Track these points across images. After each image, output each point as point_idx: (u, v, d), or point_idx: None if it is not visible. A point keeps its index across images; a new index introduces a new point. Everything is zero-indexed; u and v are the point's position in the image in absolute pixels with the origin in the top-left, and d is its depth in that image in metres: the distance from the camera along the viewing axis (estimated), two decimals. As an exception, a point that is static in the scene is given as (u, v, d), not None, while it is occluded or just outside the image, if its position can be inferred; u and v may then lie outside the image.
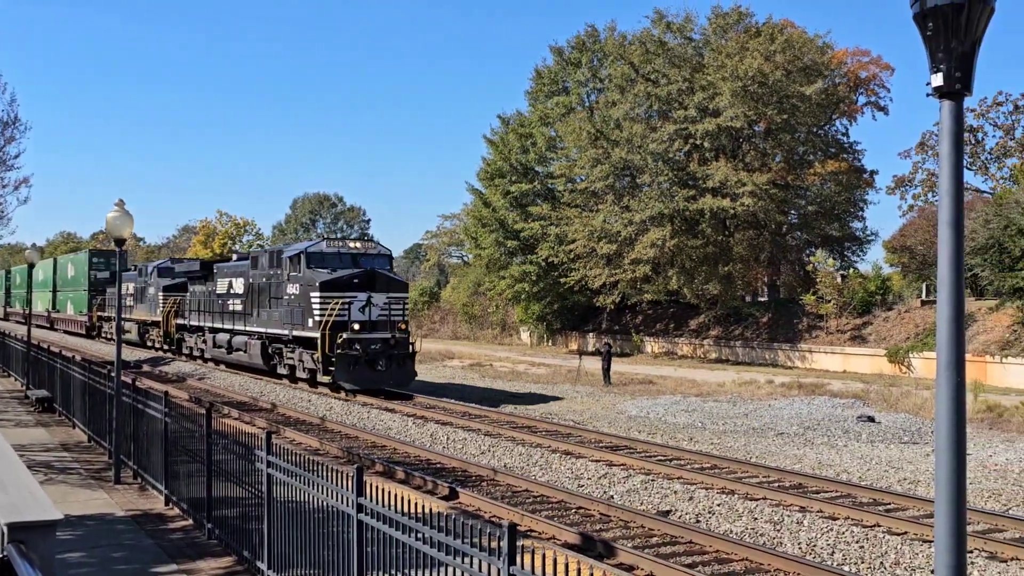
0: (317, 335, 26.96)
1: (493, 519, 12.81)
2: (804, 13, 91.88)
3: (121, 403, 14.46)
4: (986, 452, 19.36)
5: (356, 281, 27.40)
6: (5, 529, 4.40)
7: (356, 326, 26.80)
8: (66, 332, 61.62)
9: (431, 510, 6.13)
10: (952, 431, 3.99)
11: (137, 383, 14.74)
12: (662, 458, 17.25)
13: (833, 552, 11.35)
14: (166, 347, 42.87)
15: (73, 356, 21.37)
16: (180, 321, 40.79)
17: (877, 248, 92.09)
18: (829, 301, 45.30)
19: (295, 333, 28.64)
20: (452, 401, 26.18)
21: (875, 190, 56.85)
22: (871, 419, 23.94)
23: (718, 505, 13.50)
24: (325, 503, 7.48)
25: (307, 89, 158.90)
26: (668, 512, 13.45)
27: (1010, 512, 13.54)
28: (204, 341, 37.43)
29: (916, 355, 39.87)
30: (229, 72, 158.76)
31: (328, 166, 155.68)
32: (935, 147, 55.13)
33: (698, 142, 47.53)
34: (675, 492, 14.31)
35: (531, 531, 12.17)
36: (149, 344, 45.83)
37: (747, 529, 12.42)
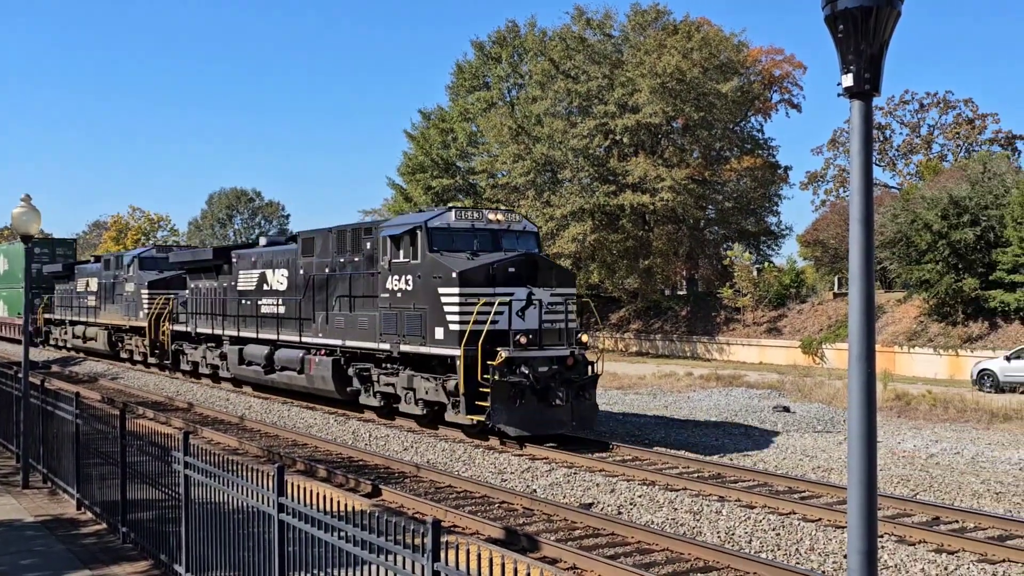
0: (453, 352, 17.74)
1: (417, 515, 12.77)
2: (720, 12, 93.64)
3: (29, 405, 14.01)
4: (895, 439, 20.02)
5: (512, 271, 18.18)
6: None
7: (522, 338, 17.68)
8: (9, 338, 50.80)
9: (354, 508, 6.09)
10: (864, 420, 4.12)
11: (46, 384, 14.29)
12: (584, 451, 17.41)
13: (751, 540, 11.60)
14: (153, 360, 33.28)
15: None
16: (178, 327, 31.03)
17: (791, 242, 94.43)
18: (745, 294, 46.31)
19: (406, 348, 19.19)
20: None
21: (789, 185, 58.43)
22: (786, 409, 24.54)
23: (639, 496, 13.69)
24: (245, 504, 7.37)
25: (222, 83, 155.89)
26: (590, 505, 13.58)
27: (918, 497, 14.03)
28: (222, 355, 28.17)
29: (829, 346, 41.05)
30: (138, 68, 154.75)
31: (246, 161, 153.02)
32: (846, 144, 56.74)
33: (618, 138, 48.08)
34: (597, 485, 14.46)
35: (455, 527, 12.17)
36: (125, 356, 36.43)
37: (668, 519, 12.62)
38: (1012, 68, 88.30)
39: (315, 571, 6.32)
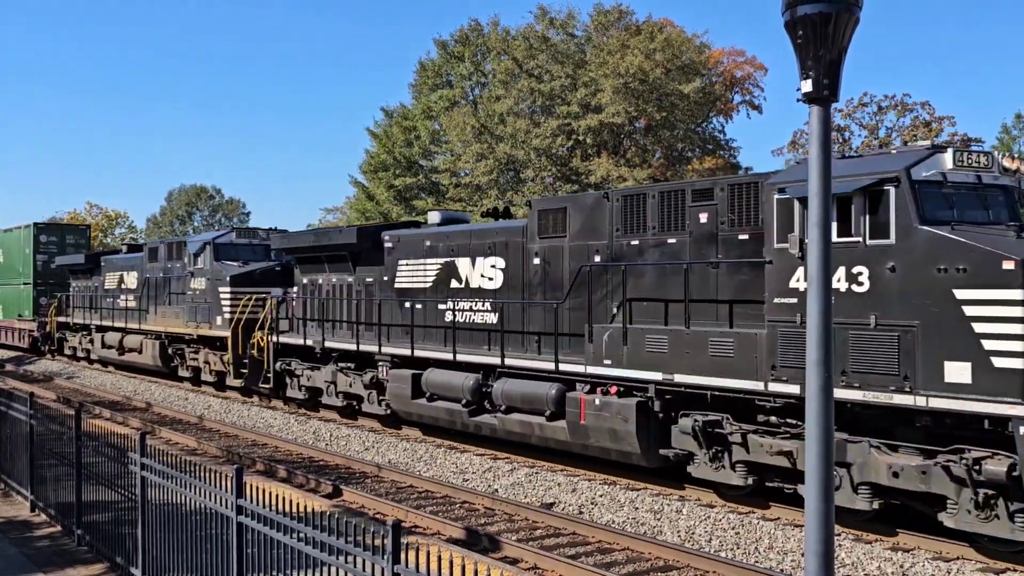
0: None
1: (378, 516, 12.72)
2: (682, 13, 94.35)
3: (-18, 405, 13.73)
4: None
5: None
6: None
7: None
8: (5, 344, 41.68)
9: (314, 509, 6.05)
10: (821, 423, 4.16)
11: (0, 384, 14.03)
12: (546, 451, 17.42)
13: (711, 539, 11.69)
14: (236, 382, 24.55)
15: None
16: (291, 339, 22.49)
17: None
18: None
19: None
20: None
21: (750, 186, 58.80)
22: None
23: (601, 496, 13.74)
24: (203, 505, 7.29)
25: (181, 78, 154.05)
26: (552, 504, 13.61)
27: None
28: (375, 382, 19.77)
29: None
30: (96, 61, 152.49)
31: (205, 158, 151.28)
32: (806, 145, 57.41)
33: (581, 138, 48.22)
34: (559, 484, 14.48)
35: (416, 527, 12.14)
36: (186, 374, 27.69)
37: (629, 519, 12.68)
38: (969, 72, 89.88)
39: (274, 573, 6.28)
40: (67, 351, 36.48)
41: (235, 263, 25.84)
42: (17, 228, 43.58)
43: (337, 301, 21.70)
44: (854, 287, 11.22)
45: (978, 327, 10.09)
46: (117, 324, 31.28)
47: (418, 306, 18.85)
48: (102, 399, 26.35)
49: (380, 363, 19.49)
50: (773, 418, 12.22)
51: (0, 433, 13.52)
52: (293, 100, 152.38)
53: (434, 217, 20.75)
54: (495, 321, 16.92)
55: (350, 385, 20.58)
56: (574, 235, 15.70)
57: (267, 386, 23.32)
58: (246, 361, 23.62)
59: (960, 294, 10.28)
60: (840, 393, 10.88)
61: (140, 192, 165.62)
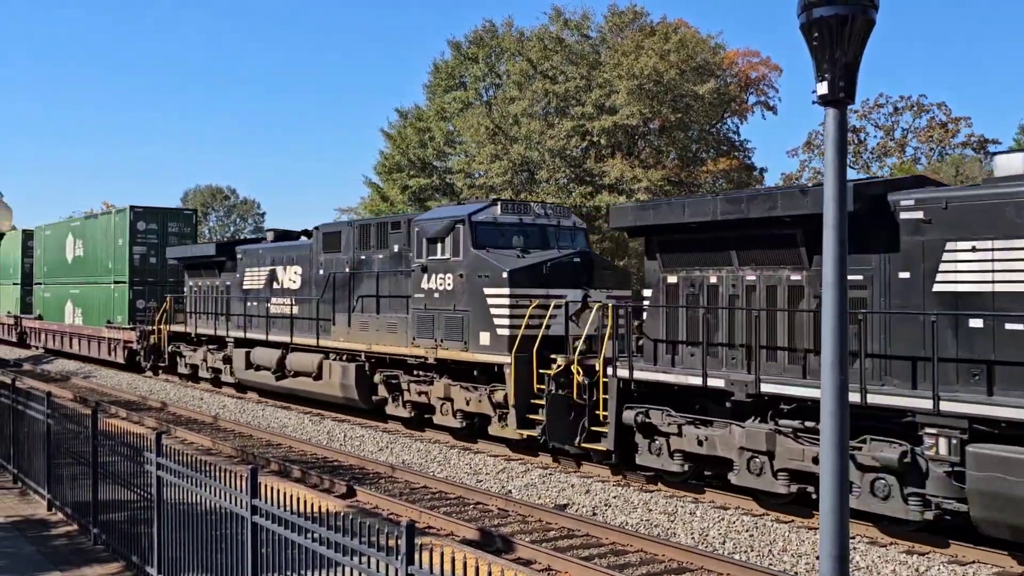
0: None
1: (391, 517, 12.75)
2: (697, 14, 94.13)
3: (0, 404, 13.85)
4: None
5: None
6: None
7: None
8: (86, 357, 34.77)
9: (328, 510, 6.07)
10: (836, 426, 4.15)
11: (17, 383, 14.14)
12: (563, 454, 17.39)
13: (724, 541, 11.66)
14: (529, 433, 15.88)
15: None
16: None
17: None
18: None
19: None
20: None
21: (765, 187, 58.66)
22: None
23: (614, 498, 13.72)
24: (218, 505, 7.32)
25: (197, 79, 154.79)
26: (565, 506, 13.60)
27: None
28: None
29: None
30: (113, 64, 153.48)
31: (221, 158, 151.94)
32: (821, 146, 57.20)
33: (595, 139, 48.17)
34: (572, 486, 14.47)
35: (430, 528, 12.16)
36: (403, 414, 19.55)
37: (642, 521, 12.66)
38: (985, 73, 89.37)
39: (288, 573, 6.29)
40: (183, 369, 28.74)
41: (510, 254, 17.40)
42: (105, 214, 36.35)
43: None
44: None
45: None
46: (276, 338, 23.45)
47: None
48: (118, 399, 26.49)
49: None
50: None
51: (18, 432, 13.61)
52: (308, 102, 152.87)
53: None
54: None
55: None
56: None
57: (614, 452, 15.20)
58: (540, 403, 15.41)
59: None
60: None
61: (156, 192, 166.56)
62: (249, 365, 24.41)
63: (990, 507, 9.79)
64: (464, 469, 16.16)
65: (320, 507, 6.06)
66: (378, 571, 5.30)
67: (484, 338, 16.67)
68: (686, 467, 13.59)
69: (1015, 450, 9.60)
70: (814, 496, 11.71)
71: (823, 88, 4.03)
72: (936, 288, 11.00)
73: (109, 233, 33.87)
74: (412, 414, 19.24)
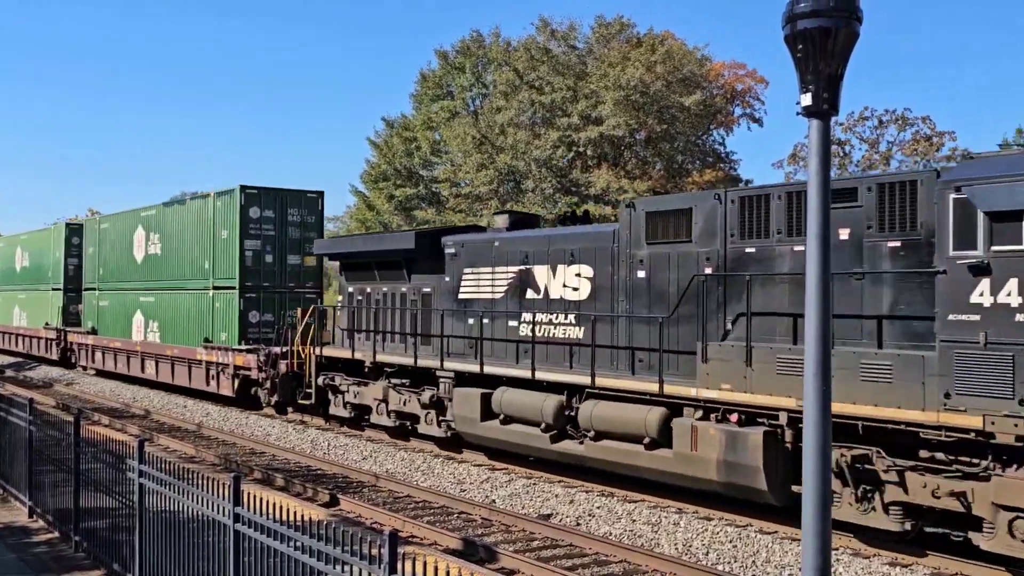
0: None
1: (375, 525, 12.71)
2: (684, 26, 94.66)
3: (-19, 411, 13.73)
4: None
5: None
6: None
7: None
8: (167, 385, 27.62)
9: (311, 518, 6.05)
10: (819, 437, 4.17)
11: (-1, 389, 14.03)
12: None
13: (708, 552, 11.67)
14: None
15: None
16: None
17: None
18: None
19: None
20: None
21: (750, 199, 58.85)
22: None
23: (598, 508, 13.72)
24: (200, 513, 7.29)
25: (180, 86, 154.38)
26: (549, 516, 13.59)
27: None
28: None
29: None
30: (99, 68, 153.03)
31: (206, 165, 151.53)
32: (805, 158, 57.55)
33: (581, 149, 48.35)
34: (556, 496, 14.47)
35: (413, 537, 12.12)
36: (890, 526, 10.83)
37: (626, 531, 12.66)
38: (970, 86, 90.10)
39: (271, 582, 6.27)
40: (338, 409, 20.81)
41: None
42: (199, 197, 27.74)
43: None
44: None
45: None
46: (553, 376, 15.27)
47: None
48: (101, 406, 26.31)
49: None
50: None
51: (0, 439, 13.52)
52: (293, 109, 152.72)
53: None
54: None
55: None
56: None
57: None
58: None
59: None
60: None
61: (142, 198, 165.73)
62: (490, 414, 16.53)
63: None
64: (448, 479, 16.13)
65: (303, 515, 6.04)
66: (361, 580, 5.29)
67: None
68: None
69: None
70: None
71: (807, 100, 4.07)
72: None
73: (206, 223, 25.80)
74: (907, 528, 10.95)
